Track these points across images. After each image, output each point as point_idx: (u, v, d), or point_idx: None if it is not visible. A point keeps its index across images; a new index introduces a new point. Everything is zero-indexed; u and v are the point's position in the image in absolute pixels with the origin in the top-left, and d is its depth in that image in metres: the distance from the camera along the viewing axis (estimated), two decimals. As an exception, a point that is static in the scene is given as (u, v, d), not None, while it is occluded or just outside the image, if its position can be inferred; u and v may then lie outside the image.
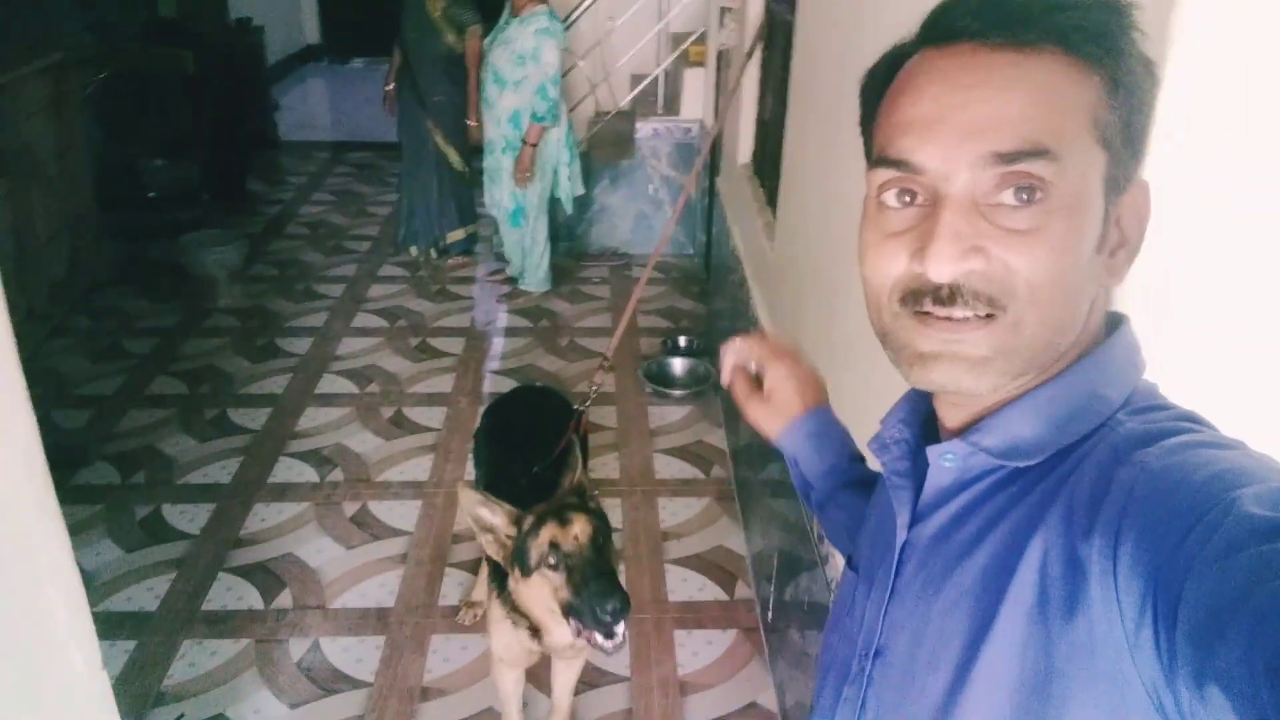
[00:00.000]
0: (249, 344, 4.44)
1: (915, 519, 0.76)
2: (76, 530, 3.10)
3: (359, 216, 6.23)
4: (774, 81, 3.29)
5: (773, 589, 2.65)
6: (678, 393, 4.03)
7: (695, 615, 2.88)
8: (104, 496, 3.30)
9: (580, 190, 4.95)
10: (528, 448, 2.32)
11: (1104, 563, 0.58)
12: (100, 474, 3.43)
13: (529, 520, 1.90)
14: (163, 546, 3.07)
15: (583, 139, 5.38)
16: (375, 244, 5.75)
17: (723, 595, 2.96)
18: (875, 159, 0.68)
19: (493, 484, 2.36)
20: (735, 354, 1.11)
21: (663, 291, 5.10)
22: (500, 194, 4.75)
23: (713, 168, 5.09)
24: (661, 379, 4.10)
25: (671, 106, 5.43)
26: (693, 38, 5.42)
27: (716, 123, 4.16)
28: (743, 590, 2.98)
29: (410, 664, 2.63)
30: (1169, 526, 0.54)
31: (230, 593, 2.88)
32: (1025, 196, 0.62)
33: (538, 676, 2.51)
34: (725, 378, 1.12)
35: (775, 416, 1.08)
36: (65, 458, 3.47)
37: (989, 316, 0.63)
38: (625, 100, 5.65)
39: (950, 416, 0.75)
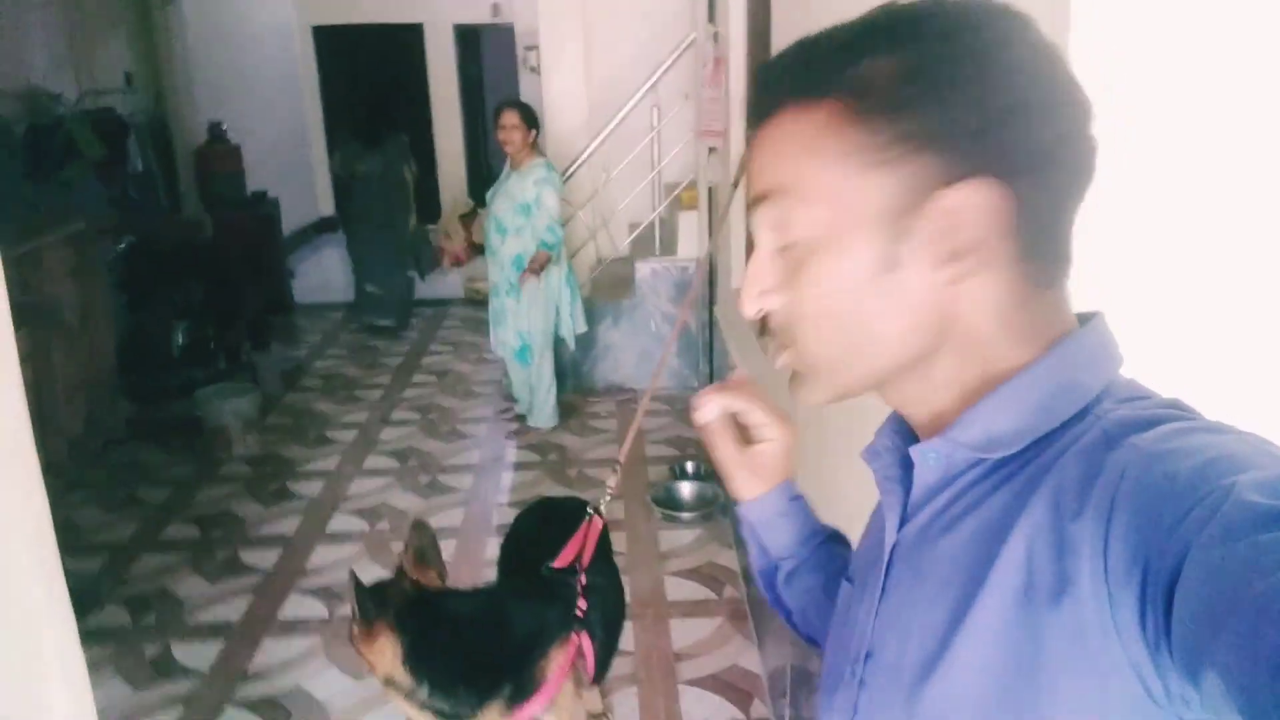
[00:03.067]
0: (262, 489, 4.50)
1: (904, 519, 0.76)
2: (87, 670, 3.09)
3: (371, 368, 6.40)
4: (760, 207, 3.47)
5: (788, 705, 2.61)
6: (686, 515, 4.04)
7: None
8: (114, 638, 3.30)
9: (583, 328, 5.10)
10: (542, 551, 2.35)
11: (1095, 543, 0.58)
12: (112, 616, 3.44)
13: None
14: (171, 684, 3.05)
15: (584, 282, 5.58)
16: (386, 391, 5.88)
17: (739, 715, 2.91)
18: None
19: (506, 578, 2.43)
20: (733, 397, 0.96)
21: (668, 422, 5.17)
22: (506, 334, 4.90)
23: (711, 299, 5.26)
24: (670, 503, 4.13)
25: (669, 248, 5.65)
26: (684, 184, 5.70)
27: (706, 251, 4.33)
28: (759, 709, 2.92)
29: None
30: (1163, 509, 0.54)
31: (236, 728, 2.84)
32: (782, 244, 0.69)
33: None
34: (707, 415, 0.96)
35: (756, 480, 0.99)
36: (77, 602, 3.47)
37: (786, 345, 0.71)
38: (624, 244, 5.89)
39: (910, 418, 0.77)
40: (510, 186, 4.77)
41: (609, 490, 2.17)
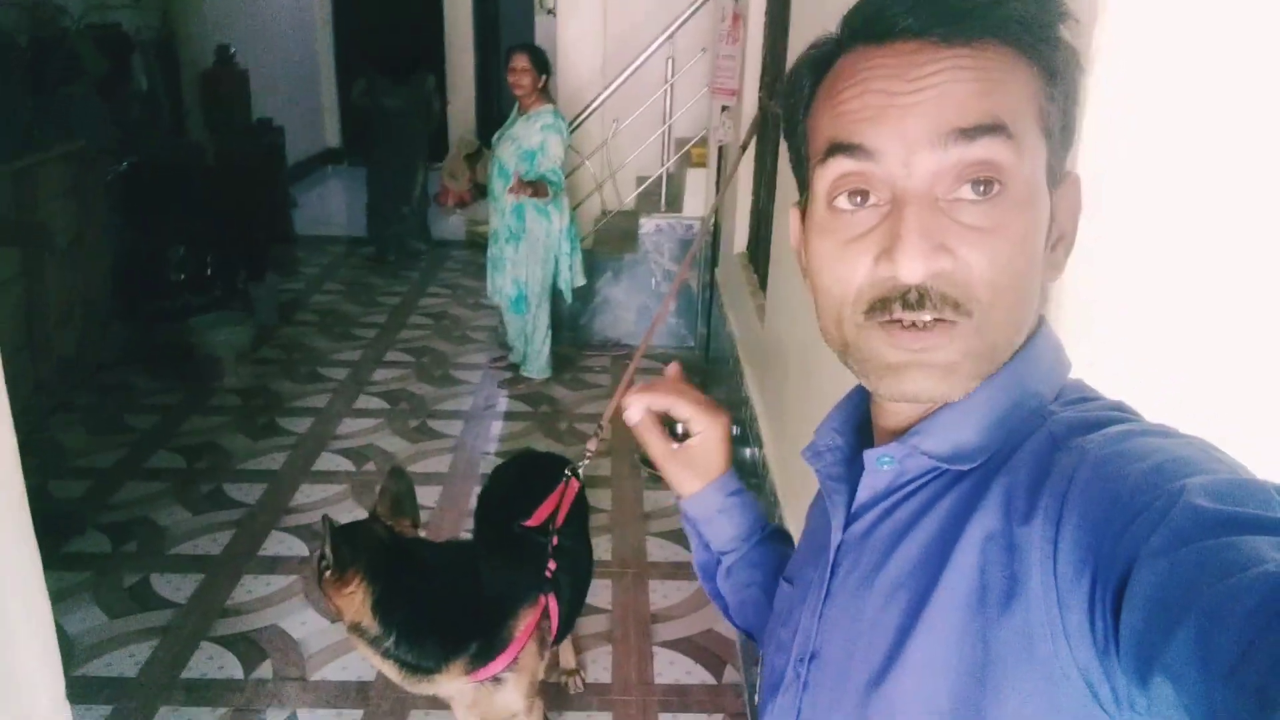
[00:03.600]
0: (250, 422, 4.49)
1: (850, 520, 0.75)
2: (64, 595, 3.10)
3: (369, 306, 6.36)
4: (766, 173, 3.41)
5: (760, 672, 2.62)
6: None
7: (681, 699, 2.83)
8: (94, 564, 3.30)
9: (581, 281, 5.05)
10: (518, 507, 2.34)
11: (1045, 547, 0.58)
12: (93, 543, 3.44)
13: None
14: (148, 614, 3.05)
15: (587, 234, 5.52)
16: (382, 330, 5.85)
17: (710, 679, 2.92)
18: (826, 149, 0.65)
19: (479, 532, 2.42)
20: (655, 396, 0.96)
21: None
22: (503, 281, 4.86)
23: (713, 260, 5.21)
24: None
25: (674, 205, 5.58)
26: (694, 140, 5.61)
27: (710, 210, 4.28)
28: (731, 675, 2.94)
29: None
30: (1112, 513, 0.54)
31: (211, 661, 2.85)
32: (984, 190, 0.61)
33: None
34: (634, 417, 0.96)
35: (691, 475, 0.99)
36: (59, 526, 3.49)
37: (952, 322, 0.62)
38: (629, 199, 5.82)
39: (892, 419, 0.74)
40: (516, 131, 4.70)
41: (588, 453, 2.16)
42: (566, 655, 2.88)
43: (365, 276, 7.07)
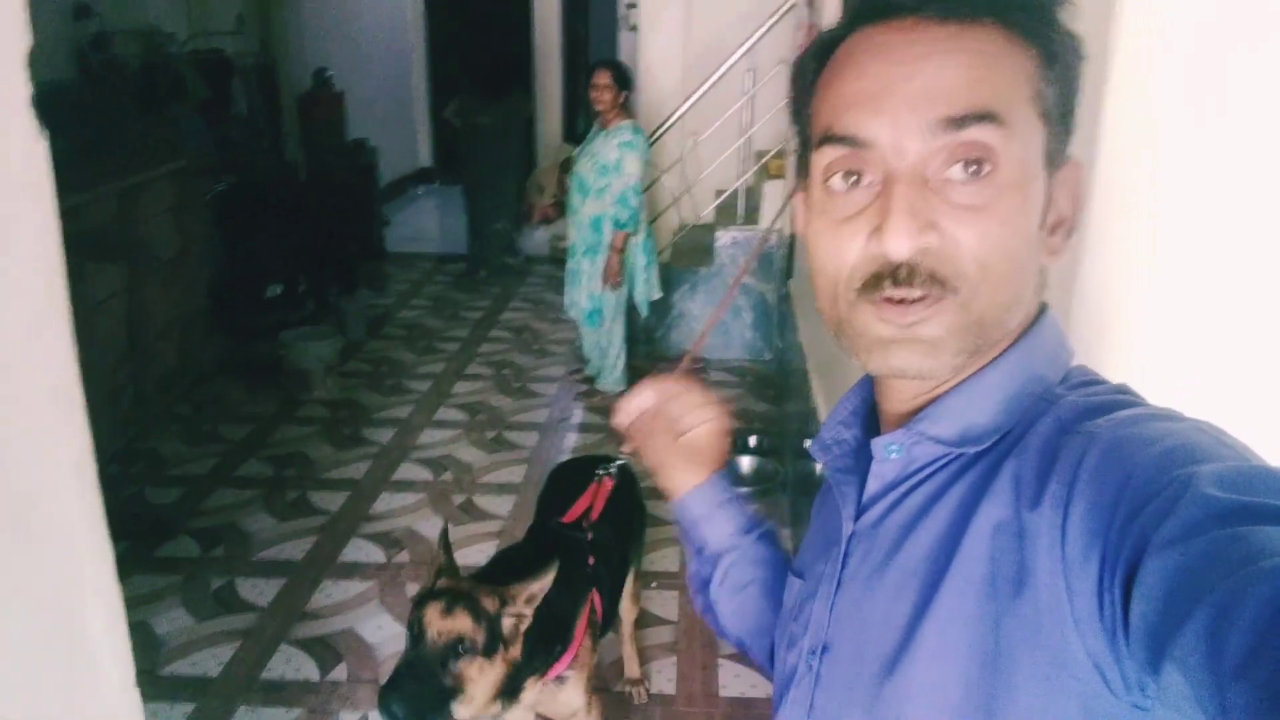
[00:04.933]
0: (336, 433, 4.64)
1: (860, 511, 0.76)
2: (154, 597, 3.26)
3: (452, 320, 6.51)
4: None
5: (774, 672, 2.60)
6: (745, 490, 4.02)
7: (746, 712, 2.82)
8: (183, 568, 3.45)
9: (657, 294, 5.08)
10: (569, 506, 2.39)
11: (1053, 533, 0.58)
12: (183, 547, 3.60)
13: (439, 582, 1.91)
14: (232, 617, 3.18)
15: (664, 248, 5.55)
16: (464, 344, 5.98)
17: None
18: (821, 137, 0.67)
19: (530, 533, 2.46)
20: (657, 389, 0.98)
21: (737, 394, 5.14)
22: (579, 295, 4.92)
23: (788, 272, 5.19)
24: (728, 476, 4.10)
25: (752, 217, 5.58)
26: (773, 152, 5.60)
27: (774, 219, 4.25)
28: (798, 690, 2.91)
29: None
30: (1120, 499, 0.54)
31: (289, 664, 2.95)
32: (974, 170, 0.62)
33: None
34: (627, 415, 0.98)
35: (693, 468, 0.98)
36: (153, 531, 3.66)
37: (940, 297, 0.63)
38: (707, 211, 5.83)
39: (897, 404, 0.75)
40: (596, 146, 4.76)
41: (622, 453, 2.19)
42: (631, 665, 2.89)
43: (451, 292, 7.24)
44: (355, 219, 7.32)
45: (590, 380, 5.18)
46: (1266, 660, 0.42)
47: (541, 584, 1.91)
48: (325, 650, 3.02)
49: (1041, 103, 0.64)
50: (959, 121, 0.61)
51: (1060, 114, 0.65)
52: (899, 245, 0.62)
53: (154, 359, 4.74)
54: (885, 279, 0.64)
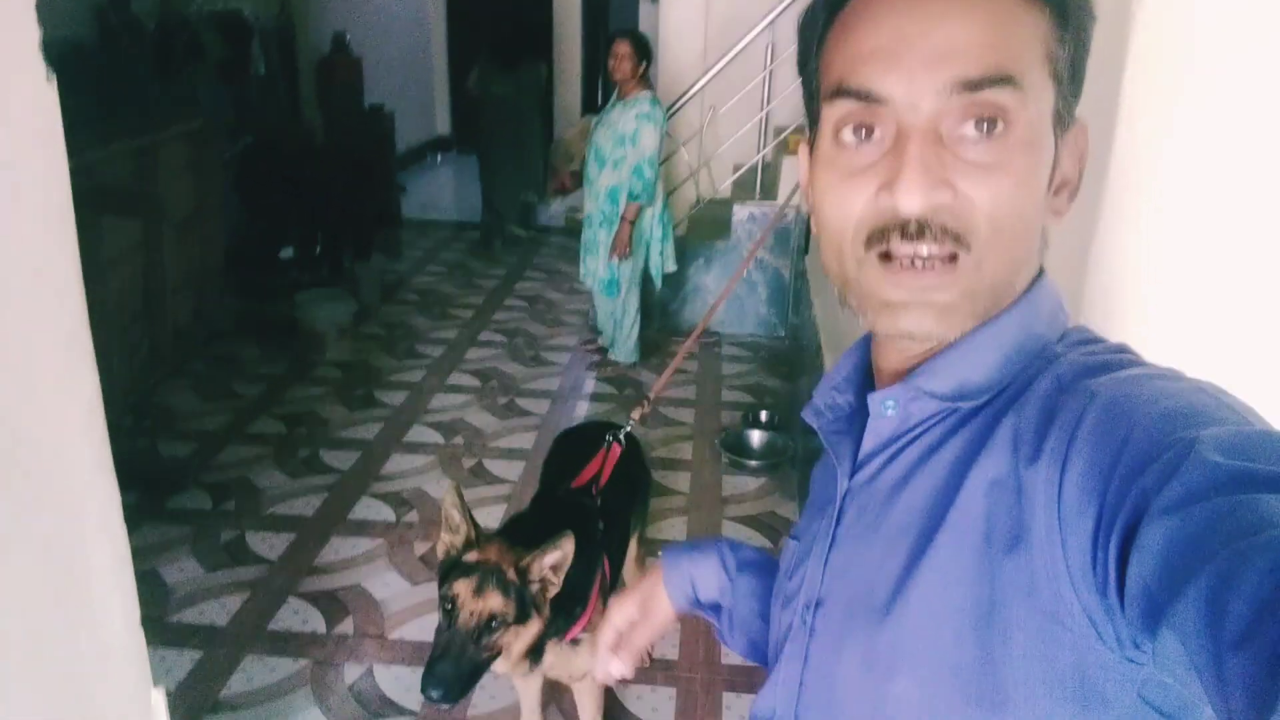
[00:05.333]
0: (349, 394, 4.66)
1: (855, 469, 0.76)
2: (165, 547, 3.29)
3: (466, 287, 6.51)
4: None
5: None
6: (753, 463, 4.03)
7: (746, 679, 2.83)
8: (194, 520, 3.48)
9: (672, 267, 5.07)
10: (575, 472, 2.39)
11: (1049, 489, 0.58)
12: (195, 500, 3.63)
13: (466, 555, 1.91)
14: (241, 569, 3.21)
15: (680, 220, 5.54)
16: (478, 311, 5.99)
17: (779, 663, 2.91)
18: (834, 90, 0.66)
19: (538, 498, 2.46)
20: (616, 631, 1.02)
21: (748, 369, 5.14)
22: (595, 265, 4.92)
23: (805, 249, 5.17)
24: (738, 449, 4.11)
25: (769, 193, 5.56)
26: (792, 128, 5.57)
27: (789, 195, 4.23)
28: (800, 660, 2.92)
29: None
30: (1120, 458, 0.54)
31: (296, 616, 2.98)
32: (988, 128, 0.62)
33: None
34: (617, 673, 1.02)
35: (668, 607, 1.02)
36: (165, 483, 3.69)
37: (953, 258, 0.63)
38: (725, 185, 5.81)
39: (895, 362, 0.75)
40: (613, 117, 4.74)
41: (632, 420, 2.20)
42: None
43: (466, 260, 7.24)
44: (371, 184, 7.31)
45: (603, 351, 5.18)
46: (1267, 632, 0.42)
47: (564, 553, 1.92)
48: (332, 604, 3.05)
49: (1054, 64, 0.64)
50: (976, 84, 0.61)
51: (1071, 75, 0.65)
52: (911, 200, 0.62)
53: (169, 315, 4.76)
54: (893, 232, 0.63)
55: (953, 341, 0.69)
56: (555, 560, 1.93)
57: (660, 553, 1.02)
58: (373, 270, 6.23)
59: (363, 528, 3.49)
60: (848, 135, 0.66)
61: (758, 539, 3.53)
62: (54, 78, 1.36)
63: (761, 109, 5.56)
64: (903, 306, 0.65)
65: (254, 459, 3.96)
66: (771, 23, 5.31)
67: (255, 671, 2.73)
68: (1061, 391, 0.62)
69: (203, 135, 5.10)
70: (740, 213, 5.44)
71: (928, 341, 0.69)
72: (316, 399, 4.59)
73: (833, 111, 0.66)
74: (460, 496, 1.97)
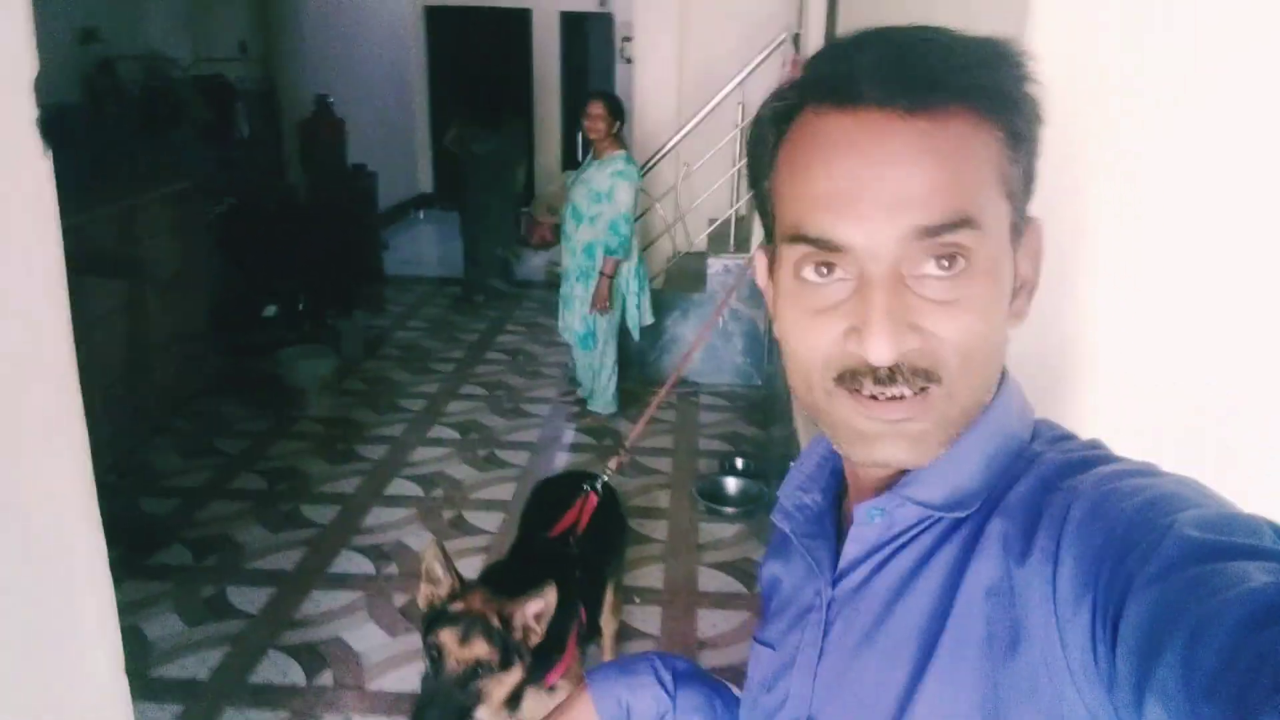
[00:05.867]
0: (330, 448, 4.71)
1: (839, 575, 0.75)
2: (147, 603, 3.32)
3: (448, 341, 6.60)
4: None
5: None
6: (730, 510, 4.10)
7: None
8: (176, 576, 3.52)
9: (649, 320, 5.18)
10: (553, 521, 2.46)
11: (1043, 587, 0.59)
12: (176, 556, 3.66)
13: (451, 605, 1.97)
14: (222, 623, 3.24)
15: (657, 274, 5.66)
16: (459, 365, 6.07)
17: (755, 707, 2.95)
18: (791, 236, 0.65)
19: (516, 546, 2.52)
20: None
21: (725, 418, 5.23)
22: (572, 319, 5.02)
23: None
24: (715, 497, 4.18)
25: (744, 245, 5.68)
26: (765, 181, 5.70)
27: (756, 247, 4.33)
28: (776, 704, 2.97)
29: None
30: (1106, 550, 0.55)
31: (276, 668, 3.01)
32: (949, 265, 0.62)
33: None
34: None
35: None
36: (147, 540, 3.73)
37: (923, 390, 0.63)
38: (700, 239, 5.94)
39: (875, 472, 0.74)
40: (590, 175, 4.88)
41: (608, 470, 2.26)
42: None
43: (448, 314, 7.34)
44: (354, 242, 7.42)
45: (582, 402, 5.26)
46: (1235, 674, 0.43)
47: (547, 602, 1.98)
48: (312, 656, 3.08)
49: (1008, 184, 0.64)
50: (934, 231, 0.60)
51: (1024, 187, 0.66)
52: (881, 353, 0.61)
53: (152, 374, 4.83)
54: (864, 377, 0.63)
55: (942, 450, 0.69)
56: (538, 609, 1.99)
57: (586, 675, 0.98)
58: (355, 326, 6.30)
59: (342, 580, 3.53)
60: (809, 274, 0.65)
61: (734, 584, 3.59)
62: (50, 152, 1.45)
63: (734, 164, 5.71)
64: (877, 437, 0.65)
65: (235, 515, 4.01)
66: (741, 82, 5.49)
67: (235, 724, 2.76)
68: (1045, 491, 0.63)
69: (187, 196, 5.20)
70: (715, 265, 5.57)
71: (901, 468, 0.69)
72: (298, 454, 4.65)
73: (792, 252, 0.66)
74: (443, 550, 2.04)
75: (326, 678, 2.98)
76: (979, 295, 0.62)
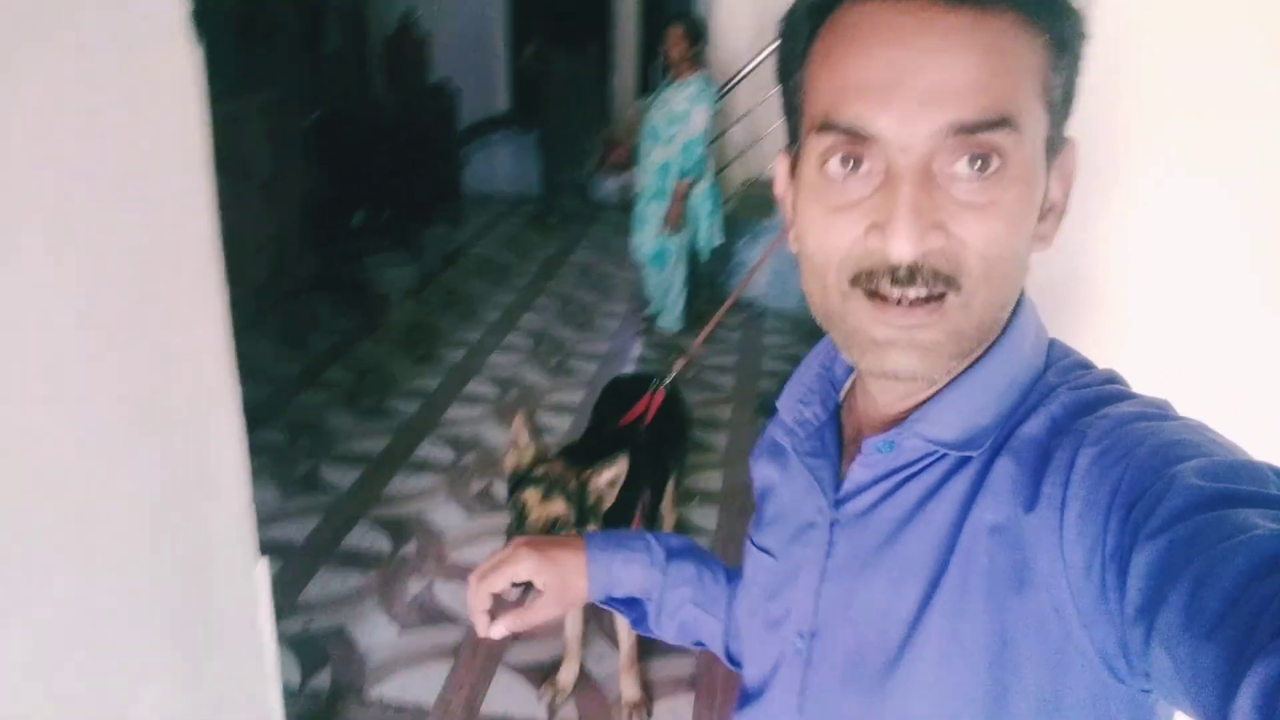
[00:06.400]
0: (412, 350, 5.00)
1: (842, 498, 0.75)
2: (248, 475, 3.62)
3: (522, 257, 6.83)
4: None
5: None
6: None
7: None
8: (272, 454, 3.83)
9: (719, 241, 5.32)
10: (623, 413, 2.67)
11: (1050, 536, 0.59)
12: (271, 437, 3.97)
13: (536, 469, 2.18)
14: (314, 496, 3.55)
15: (729, 198, 5.77)
16: (534, 280, 6.30)
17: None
18: (821, 124, 0.63)
19: (589, 432, 2.79)
20: (494, 578, 0.94)
21: (790, 341, 5.38)
22: (645, 238, 5.18)
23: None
24: (773, 412, 4.35)
25: (817, 172, 5.75)
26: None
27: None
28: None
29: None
30: (1114, 500, 0.55)
31: (365, 537, 3.30)
32: (982, 166, 0.59)
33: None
34: (498, 632, 0.96)
35: (576, 588, 0.96)
36: (245, 419, 4.03)
37: (941, 296, 0.61)
38: (773, 165, 6.02)
39: (883, 406, 0.74)
40: (667, 96, 4.99)
41: (674, 369, 2.48)
42: (630, 687, 2.67)
43: (524, 232, 7.55)
44: (435, 158, 7.64)
45: (651, 319, 5.45)
46: (1235, 621, 0.43)
47: (619, 470, 2.20)
48: (398, 529, 3.36)
49: (1049, 93, 0.62)
50: (972, 127, 0.58)
51: (1064, 100, 0.64)
52: (903, 248, 0.59)
53: (248, 272, 5.12)
54: (882, 277, 0.61)
55: (946, 385, 0.69)
56: (611, 476, 2.20)
57: (585, 539, 0.99)
58: (435, 239, 6.55)
59: (424, 466, 3.81)
60: (834, 166, 0.63)
61: (788, 491, 3.78)
62: (200, 45, 1.65)
63: (811, 91, 5.74)
64: (889, 345, 0.63)
65: (325, 403, 4.31)
66: (823, 8, 5.49)
67: (329, 582, 3.06)
68: (1056, 433, 0.63)
69: (281, 105, 5.45)
70: (786, 191, 5.65)
71: (912, 381, 0.68)
72: (383, 354, 4.94)
73: (819, 142, 0.63)
74: (531, 420, 2.26)
75: (411, 548, 3.26)
76: (1011, 202, 0.60)
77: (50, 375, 1.29)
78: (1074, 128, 0.66)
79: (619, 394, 3.03)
